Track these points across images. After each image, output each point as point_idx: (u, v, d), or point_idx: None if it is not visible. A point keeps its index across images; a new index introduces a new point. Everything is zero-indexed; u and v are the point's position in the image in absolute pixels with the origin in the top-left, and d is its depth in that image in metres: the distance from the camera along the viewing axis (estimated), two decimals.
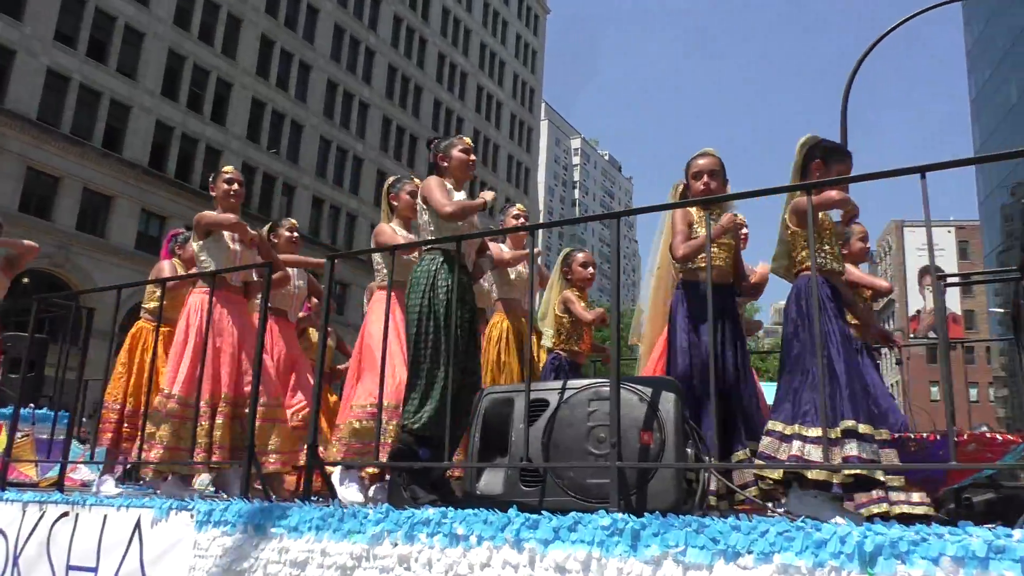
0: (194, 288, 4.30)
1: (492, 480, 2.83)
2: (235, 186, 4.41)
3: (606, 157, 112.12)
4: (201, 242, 4.26)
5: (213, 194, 4.46)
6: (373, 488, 4.05)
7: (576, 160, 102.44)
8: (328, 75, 37.15)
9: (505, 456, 2.86)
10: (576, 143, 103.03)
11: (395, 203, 4.55)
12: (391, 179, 4.71)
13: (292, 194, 34.93)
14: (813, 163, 3.19)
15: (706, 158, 3.73)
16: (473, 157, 3.91)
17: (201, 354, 3.81)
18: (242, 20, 32.90)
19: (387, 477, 3.85)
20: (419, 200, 3.76)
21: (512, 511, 2.33)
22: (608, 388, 2.61)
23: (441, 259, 3.55)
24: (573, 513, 2.22)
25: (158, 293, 4.68)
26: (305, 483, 3.12)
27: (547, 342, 5.05)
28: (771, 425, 2.91)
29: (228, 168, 4.55)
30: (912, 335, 26.22)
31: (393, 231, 4.38)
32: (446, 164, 3.82)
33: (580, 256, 5.13)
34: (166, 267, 5.25)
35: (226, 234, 4.30)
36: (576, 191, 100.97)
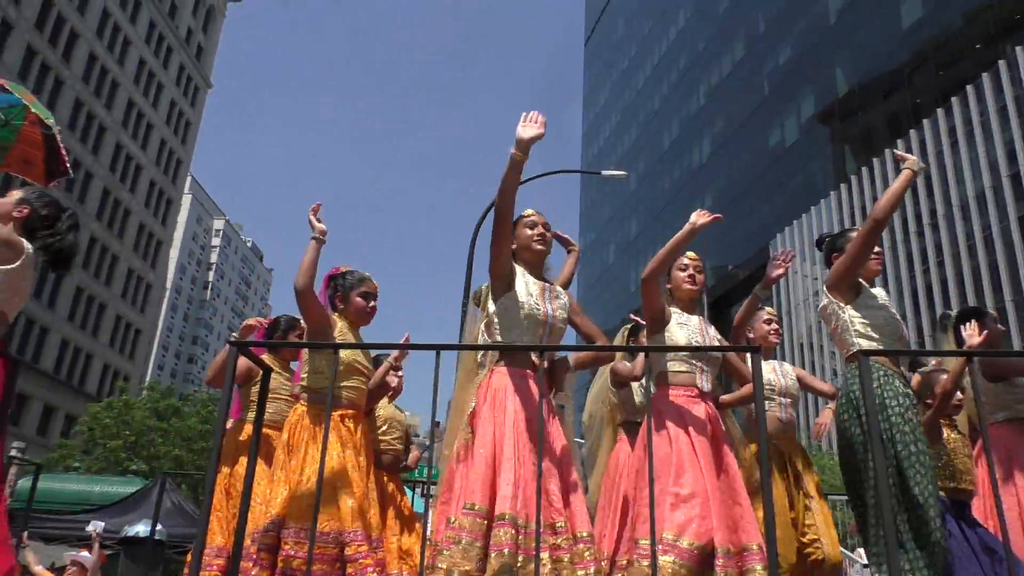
0: (492, 365, 3.03)
1: None
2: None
3: (249, 244, 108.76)
4: (498, 301, 3.08)
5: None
6: None
7: (216, 242, 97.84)
8: None
9: None
10: (219, 224, 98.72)
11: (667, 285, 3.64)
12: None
13: None
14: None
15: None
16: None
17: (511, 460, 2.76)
18: None
19: None
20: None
21: None
22: None
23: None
24: None
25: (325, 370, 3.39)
26: None
27: None
28: None
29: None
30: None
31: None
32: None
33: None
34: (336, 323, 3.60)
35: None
36: (211, 273, 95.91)
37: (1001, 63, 31.46)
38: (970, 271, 31.24)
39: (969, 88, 32.82)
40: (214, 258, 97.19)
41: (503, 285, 3.05)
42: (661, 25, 66.42)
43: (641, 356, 3.95)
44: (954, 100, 33.58)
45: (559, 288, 3.24)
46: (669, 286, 3.59)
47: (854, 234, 3.33)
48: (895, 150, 3.37)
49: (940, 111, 34.29)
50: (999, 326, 4.06)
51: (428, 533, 2.82)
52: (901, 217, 35.50)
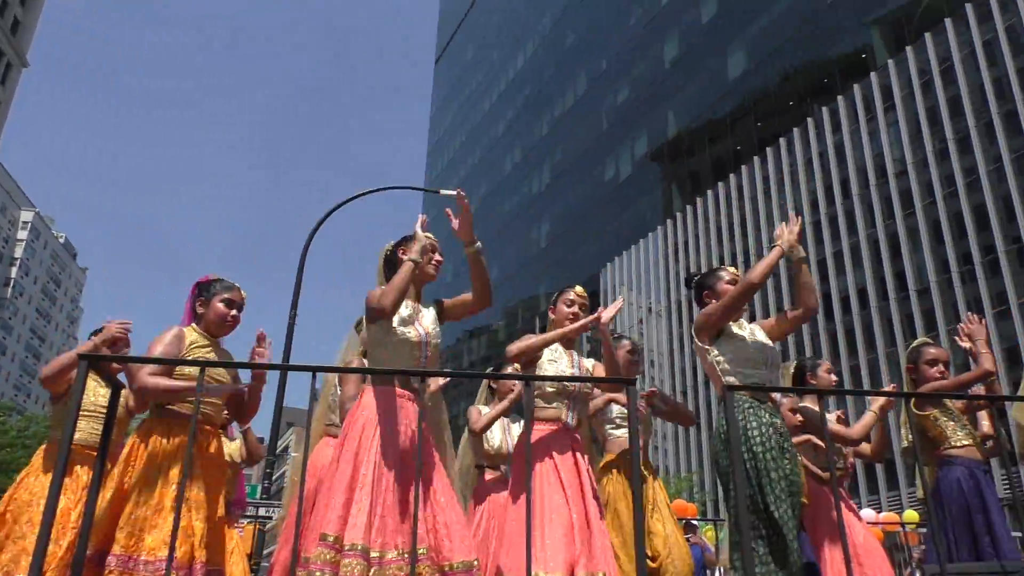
0: (365, 386, 2.97)
1: None
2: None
3: (61, 239, 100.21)
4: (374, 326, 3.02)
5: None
6: None
7: (22, 235, 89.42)
8: None
9: None
10: (27, 216, 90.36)
11: (551, 315, 3.63)
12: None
13: None
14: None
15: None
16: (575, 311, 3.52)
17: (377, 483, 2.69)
18: None
19: None
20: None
21: None
22: None
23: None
24: None
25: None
26: None
27: None
28: None
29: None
30: None
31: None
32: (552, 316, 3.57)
33: (928, 353, 4.25)
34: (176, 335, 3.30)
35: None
36: (14, 269, 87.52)
37: (810, 120, 34.77)
38: (775, 306, 34.08)
39: (782, 140, 35.99)
40: (19, 252, 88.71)
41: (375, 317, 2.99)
42: (509, 53, 68.12)
43: (482, 416, 4.16)
44: (769, 150, 36.68)
45: (427, 310, 3.20)
46: (553, 317, 3.61)
47: (723, 274, 3.53)
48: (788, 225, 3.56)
49: (757, 159, 37.33)
50: (832, 376, 4.56)
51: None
52: (718, 256, 38.21)
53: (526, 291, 56.14)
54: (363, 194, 13.79)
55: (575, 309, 3.56)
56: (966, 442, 3.90)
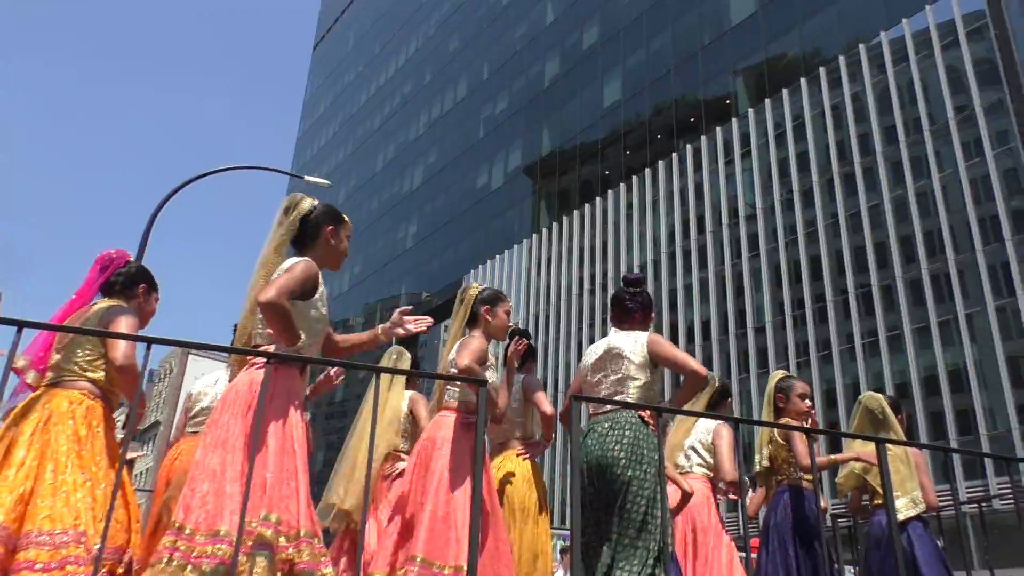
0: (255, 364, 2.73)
1: None
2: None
3: None
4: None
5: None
6: None
7: None
8: None
9: None
10: None
11: (489, 318, 3.72)
12: (484, 288, 3.84)
13: None
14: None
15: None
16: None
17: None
18: None
19: None
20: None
21: None
22: None
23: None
24: None
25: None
26: None
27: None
28: None
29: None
30: None
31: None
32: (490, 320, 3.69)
33: (799, 386, 4.65)
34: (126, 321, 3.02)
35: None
36: None
37: (675, 155, 36.49)
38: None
39: (648, 171, 37.55)
40: None
41: (309, 292, 2.85)
42: (392, 49, 67.38)
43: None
44: (635, 179, 38.17)
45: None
46: (489, 319, 3.74)
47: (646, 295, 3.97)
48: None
49: (623, 185, 38.75)
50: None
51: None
52: (578, 276, 39.33)
53: (387, 290, 55.56)
54: (220, 171, 13.27)
55: (509, 322, 3.88)
56: (807, 476, 4.33)
